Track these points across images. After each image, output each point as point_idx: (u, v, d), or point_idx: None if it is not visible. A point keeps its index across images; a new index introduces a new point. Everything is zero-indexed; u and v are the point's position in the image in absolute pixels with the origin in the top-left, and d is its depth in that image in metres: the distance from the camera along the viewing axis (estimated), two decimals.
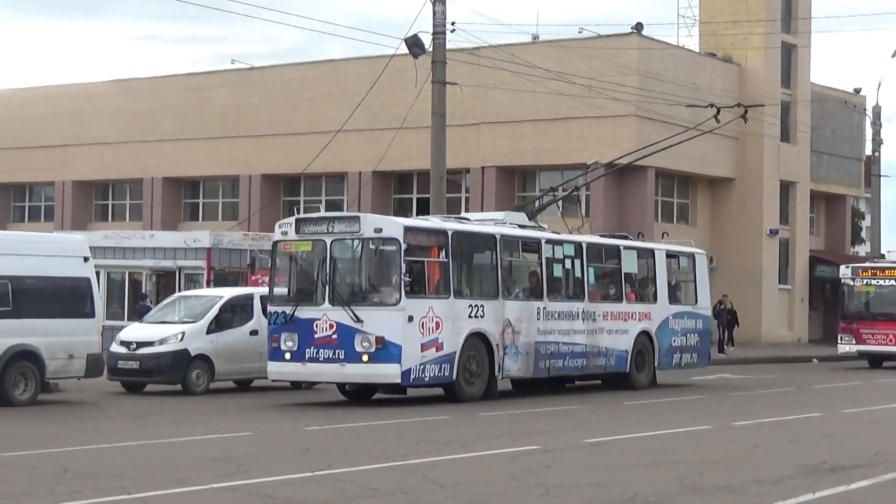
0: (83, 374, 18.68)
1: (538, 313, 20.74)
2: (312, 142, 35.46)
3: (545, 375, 21.21)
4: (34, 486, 9.82)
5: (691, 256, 25.23)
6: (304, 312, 18.29)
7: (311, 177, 43.59)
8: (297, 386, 21.44)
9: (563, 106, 38.81)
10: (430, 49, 26.76)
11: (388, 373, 17.97)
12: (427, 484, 10.12)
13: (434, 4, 26.72)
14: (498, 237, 20.18)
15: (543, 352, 20.73)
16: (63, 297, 18.42)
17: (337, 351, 17.99)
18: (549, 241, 21.46)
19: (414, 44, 26.30)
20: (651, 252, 24.07)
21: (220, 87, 46.18)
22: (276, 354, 18.70)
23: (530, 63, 35.04)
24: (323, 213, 20.17)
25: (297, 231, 18.77)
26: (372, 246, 18.63)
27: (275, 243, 19.25)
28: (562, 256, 21.99)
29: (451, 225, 19.81)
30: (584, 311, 21.71)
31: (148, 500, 9.03)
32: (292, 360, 18.47)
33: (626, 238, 24.41)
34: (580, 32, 41.64)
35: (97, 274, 21.79)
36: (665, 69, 40.38)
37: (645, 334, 23.12)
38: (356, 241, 18.64)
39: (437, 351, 18.48)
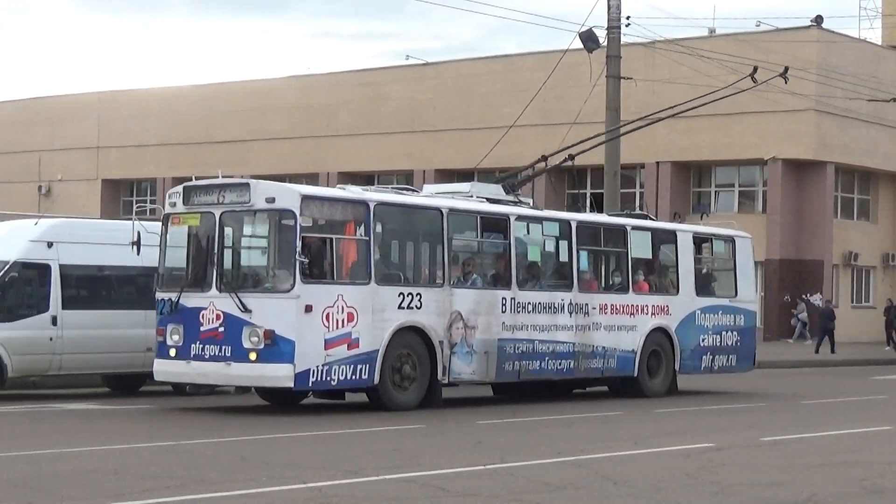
0: None
1: (503, 305, 17.04)
2: (486, 137, 35.68)
3: (514, 380, 17.60)
4: (213, 473, 9.99)
5: (730, 241, 21.14)
6: (190, 300, 15.25)
7: (484, 171, 43.83)
8: (180, 390, 18.04)
9: (740, 100, 38.12)
10: (605, 44, 26.54)
11: (279, 374, 14.70)
12: (599, 479, 9.99)
13: None
14: (445, 212, 16.49)
15: (511, 351, 17.10)
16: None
17: (223, 347, 14.90)
18: (521, 218, 17.71)
19: (588, 38, 26.10)
20: (672, 234, 20.22)
21: (395, 83, 46.81)
22: (162, 350, 15.70)
23: (706, 56, 34.62)
24: (213, 181, 16.33)
25: (185, 201, 15.64)
26: (265, 219, 15.50)
27: (164, 216, 16.10)
28: (540, 237, 18.29)
29: (374, 196, 16.28)
30: (571, 303, 17.92)
31: (322, 489, 9.11)
32: (177, 357, 15.39)
33: (645, 218, 21.22)
34: (757, 26, 41.17)
35: None
36: (845, 62, 39.34)
37: (661, 331, 19.35)
38: (247, 214, 15.42)
39: (349, 349, 15.11)
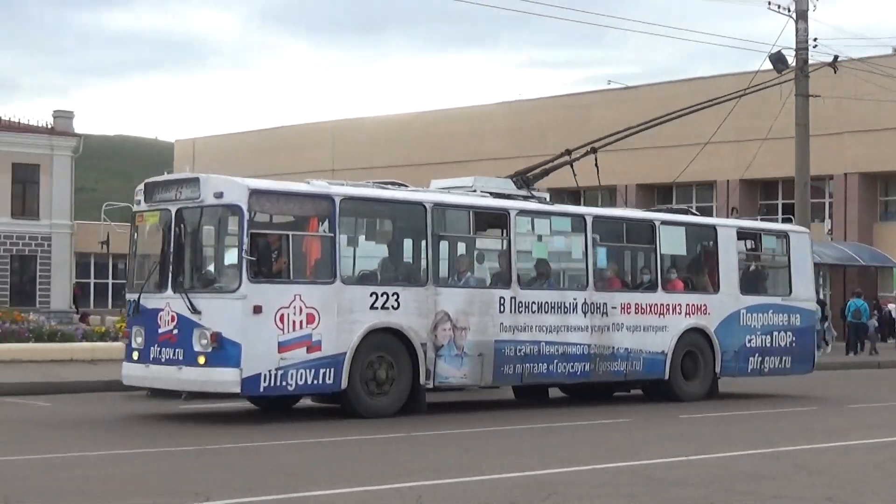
0: None
1: (501, 304, 15.55)
2: (683, 153, 38.36)
3: (515, 383, 16.40)
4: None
5: (783, 236, 19.28)
6: (150, 301, 14.05)
7: (682, 185, 46.37)
8: (155, 393, 16.27)
9: None
10: (793, 64, 27.40)
11: (225, 379, 13.27)
12: (796, 470, 10.15)
13: (797, 23, 27.59)
14: (428, 206, 14.89)
15: (510, 353, 15.55)
16: None
17: (177, 350, 13.67)
18: (523, 213, 16.19)
19: (778, 60, 26.82)
20: (712, 229, 18.46)
21: (599, 106, 48.18)
22: (127, 353, 14.64)
23: (892, 74, 35.02)
24: (170, 176, 15.52)
25: (146, 198, 14.55)
26: (214, 215, 14.11)
27: (132, 214, 15.10)
28: (549, 233, 16.87)
29: (340, 190, 14.51)
30: (586, 303, 16.37)
31: (539, 477, 9.56)
32: (139, 360, 14.27)
33: (686, 213, 19.76)
34: None
35: None
36: None
37: (698, 332, 17.71)
38: (198, 210, 13.94)
39: (308, 352, 13.65)
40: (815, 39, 28.75)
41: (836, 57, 27.31)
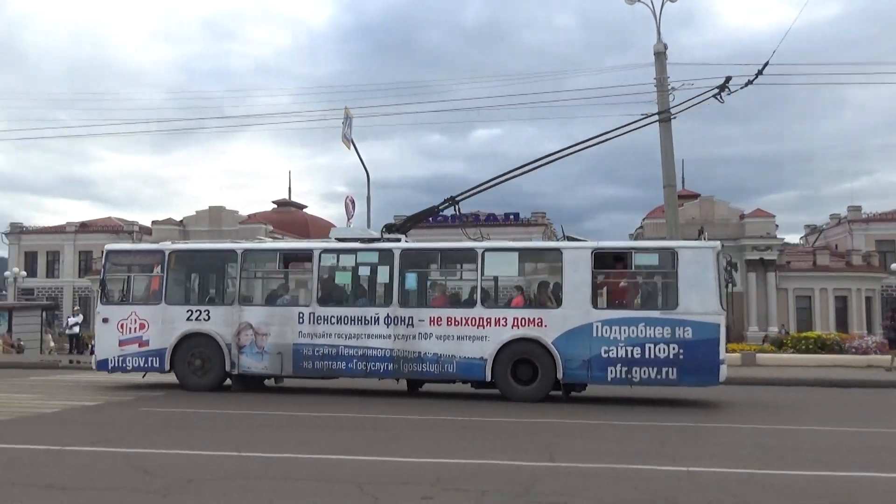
0: None
1: (301, 317, 20.35)
2: None
3: (315, 375, 20.54)
4: None
5: (668, 252, 19.47)
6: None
7: None
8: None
9: None
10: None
11: (91, 361, 23.02)
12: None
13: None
14: (240, 252, 21.21)
15: (308, 353, 20.24)
16: None
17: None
18: (328, 252, 20.79)
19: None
20: (557, 252, 19.92)
21: None
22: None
23: None
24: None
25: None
26: (100, 263, 24.11)
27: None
28: (353, 264, 20.68)
29: (170, 246, 21.98)
30: (388, 317, 19.86)
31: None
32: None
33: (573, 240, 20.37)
34: None
35: None
36: None
37: (531, 343, 19.38)
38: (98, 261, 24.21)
39: (139, 346, 21.30)
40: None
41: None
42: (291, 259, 21.65)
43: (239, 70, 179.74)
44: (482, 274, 19.83)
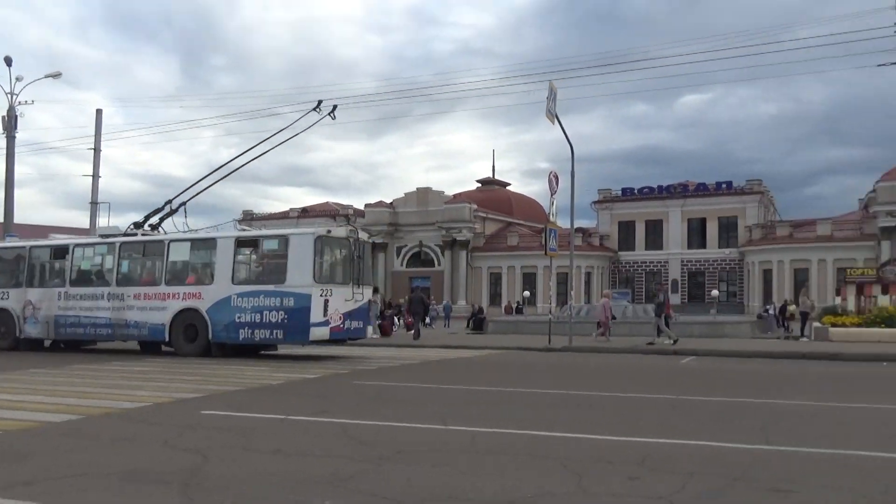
0: None
1: (59, 296, 27.09)
2: None
3: (69, 338, 27.27)
4: None
5: (283, 239, 24.14)
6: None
7: None
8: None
9: None
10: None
11: None
12: None
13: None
14: (27, 248, 28.42)
15: (63, 322, 27.01)
16: None
17: None
18: (78, 246, 27.73)
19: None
20: (213, 241, 25.21)
21: None
22: None
23: None
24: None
25: None
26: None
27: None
28: (94, 254, 27.32)
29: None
30: (109, 294, 26.20)
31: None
32: None
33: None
34: None
35: None
36: None
37: (193, 311, 24.59)
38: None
39: None
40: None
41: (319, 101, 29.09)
42: (58, 252, 27.84)
43: (442, 53, 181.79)
44: (167, 259, 25.57)
